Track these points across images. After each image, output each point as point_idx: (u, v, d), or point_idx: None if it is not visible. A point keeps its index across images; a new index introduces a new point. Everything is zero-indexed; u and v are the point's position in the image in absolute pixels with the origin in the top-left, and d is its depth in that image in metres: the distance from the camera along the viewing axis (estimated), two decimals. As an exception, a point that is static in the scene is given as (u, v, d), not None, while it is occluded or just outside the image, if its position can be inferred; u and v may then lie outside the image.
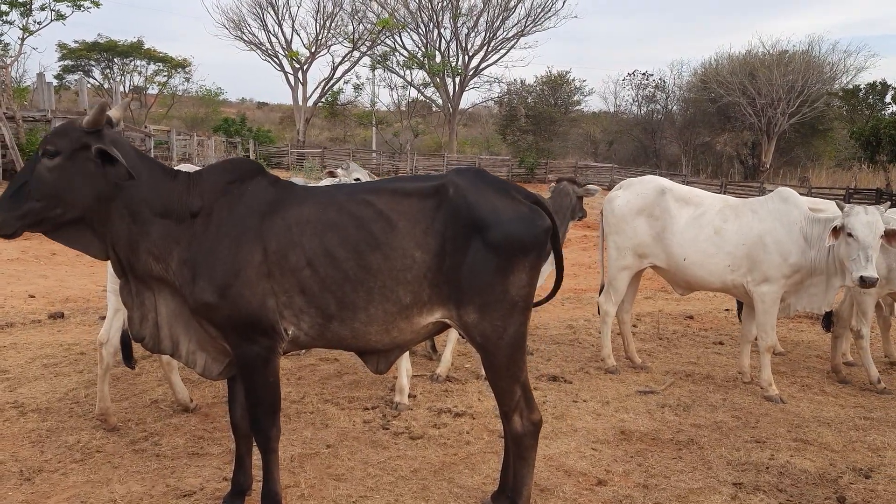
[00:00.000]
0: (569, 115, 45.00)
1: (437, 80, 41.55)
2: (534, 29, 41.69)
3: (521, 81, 45.59)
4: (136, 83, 43.70)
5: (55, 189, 2.77)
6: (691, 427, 4.52)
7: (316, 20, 40.67)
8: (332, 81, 41.41)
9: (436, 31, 41.37)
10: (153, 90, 44.19)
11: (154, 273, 2.92)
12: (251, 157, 29.39)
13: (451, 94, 41.84)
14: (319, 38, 40.58)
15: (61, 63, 40.12)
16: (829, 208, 5.59)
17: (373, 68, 41.63)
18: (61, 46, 39.08)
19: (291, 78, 41.26)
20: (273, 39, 40.77)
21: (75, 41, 39.69)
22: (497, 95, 44.88)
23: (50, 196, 2.77)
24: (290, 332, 2.95)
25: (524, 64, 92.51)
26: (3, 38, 28.07)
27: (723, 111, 38.86)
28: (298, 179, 5.46)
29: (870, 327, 5.64)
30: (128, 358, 4.35)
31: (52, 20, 26.18)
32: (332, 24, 40.61)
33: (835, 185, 30.03)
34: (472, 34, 41.43)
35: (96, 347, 4.16)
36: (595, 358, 6.10)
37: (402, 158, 37.06)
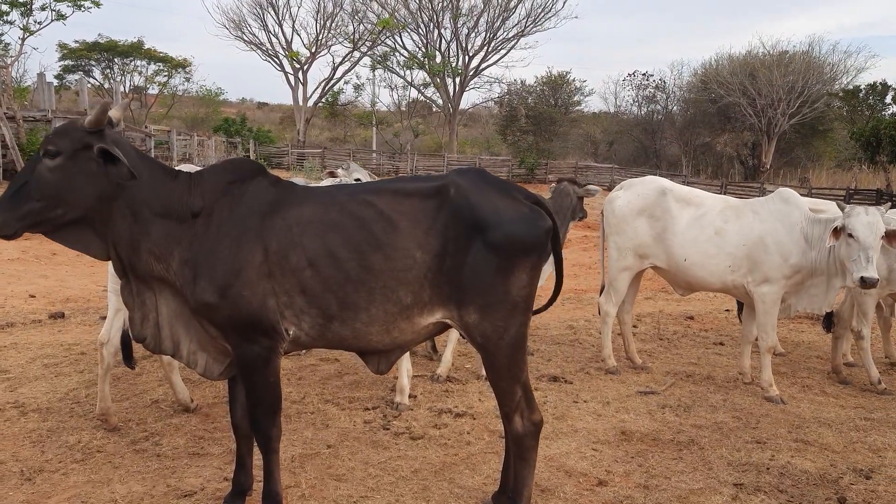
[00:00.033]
0: (569, 115, 45.00)
1: (438, 80, 41.56)
2: (534, 29, 41.78)
3: (522, 82, 45.66)
4: (136, 83, 43.84)
5: (56, 189, 2.76)
6: (692, 428, 4.52)
7: (316, 20, 40.74)
8: (333, 82, 41.47)
9: (436, 32, 41.43)
10: (153, 90, 44.34)
11: (155, 273, 2.92)
12: (251, 158, 29.43)
13: (452, 94, 41.85)
14: (320, 38, 40.62)
15: (62, 63, 40.24)
16: (829, 209, 5.58)
17: (373, 68, 41.68)
18: (62, 46, 39.14)
19: (292, 78, 41.29)
20: (273, 39, 40.85)
21: (76, 41, 39.83)
22: (497, 96, 44.96)
23: (51, 196, 2.77)
24: (290, 333, 2.95)
25: (524, 64, 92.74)
26: (3, 37, 28.10)
27: (723, 112, 38.88)
28: (299, 180, 5.46)
29: (870, 328, 5.64)
30: (128, 358, 4.35)
31: (52, 20, 26.20)
32: (333, 25, 40.68)
33: (835, 185, 30.03)
34: (473, 34, 41.52)
35: (97, 347, 4.16)
36: (596, 358, 6.10)
37: (402, 159, 37.06)
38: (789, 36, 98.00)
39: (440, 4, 40.62)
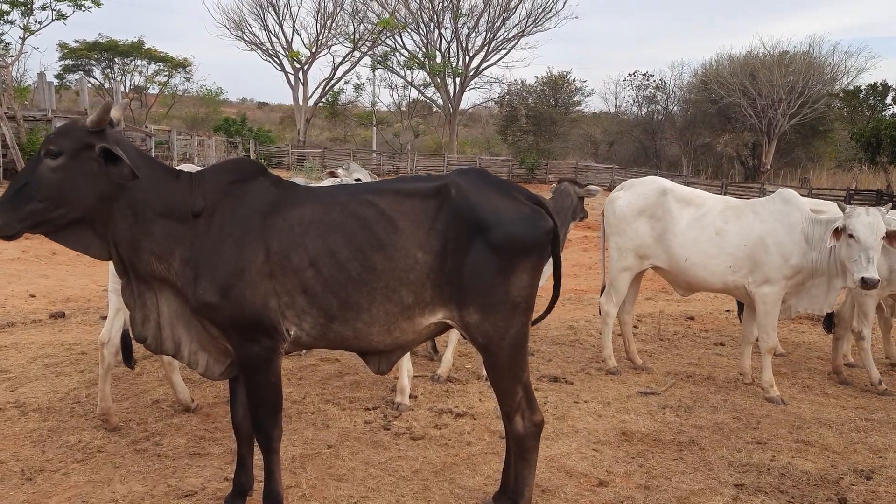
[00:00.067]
0: (569, 115, 45.02)
1: (438, 80, 41.57)
2: (534, 29, 41.81)
3: (522, 82, 45.69)
4: (136, 83, 43.88)
5: (58, 189, 2.76)
6: (692, 428, 4.52)
7: (316, 20, 40.77)
8: (333, 81, 41.49)
9: (436, 32, 41.44)
10: (154, 90, 44.38)
11: (156, 273, 2.92)
12: (252, 157, 29.42)
13: (452, 94, 41.86)
14: (320, 38, 40.63)
15: (62, 63, 40.26)
16: (830, 210, 5.58)
17: (373, 68, 41.70)
18: (62, 46, 39.16)
19: (292, 78, 41.30)
20: (273, 39, 40.87)
21: (76, 41, 39.85)
22: (497, 96, 44.99)
23: (52, 197, 2.76)
24: (292, 333, 2.95)
25: (525, 64, 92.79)
26: (3, 37, 28.17)
27: (723, 112, 38.88)
28: (299, 180, 5.46)
29: (871, 328, 5.64)
30: (128, 358, 4.34)
31: (52, 20, 26.26)
32: (333, 25, 40.70)
33: (835, 186, 30.05)
34: (473, 34, 41.55)
35: (97, 347, 4.16)
36: (596, 359, 6.10)
37: (402, 159, 37.08)
38: (790, 36, 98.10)
39: (440, 4, 40.65)
